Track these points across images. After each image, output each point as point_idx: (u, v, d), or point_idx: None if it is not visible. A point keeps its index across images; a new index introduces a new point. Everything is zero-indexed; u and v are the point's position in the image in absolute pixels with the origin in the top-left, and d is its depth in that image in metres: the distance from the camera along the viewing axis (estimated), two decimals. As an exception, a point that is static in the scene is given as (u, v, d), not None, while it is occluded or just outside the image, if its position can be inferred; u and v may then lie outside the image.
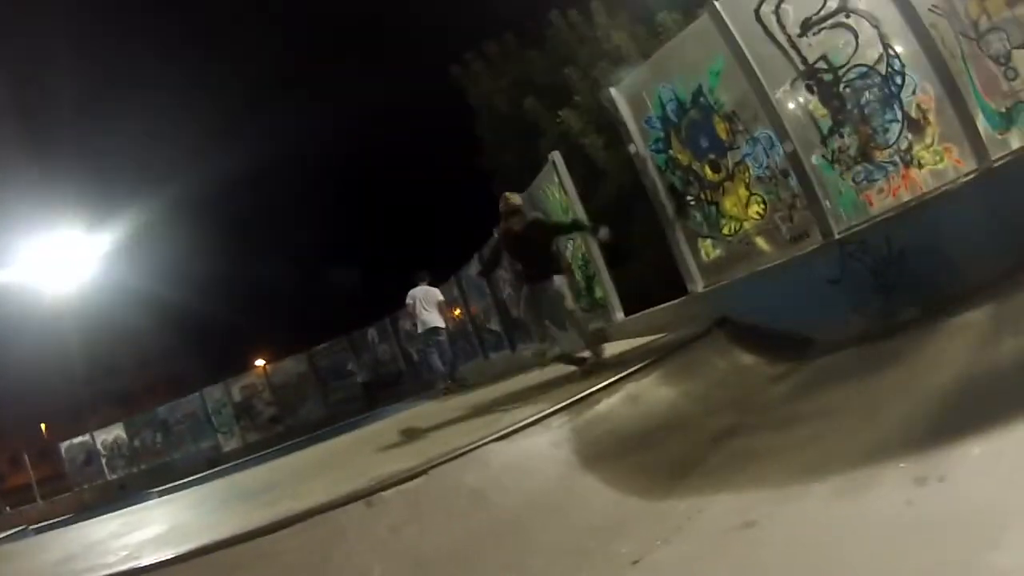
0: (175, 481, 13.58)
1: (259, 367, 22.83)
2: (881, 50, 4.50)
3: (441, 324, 9.55)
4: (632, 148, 6.25)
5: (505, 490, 3.16)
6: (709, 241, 5.80)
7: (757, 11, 4.86)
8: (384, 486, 3.15)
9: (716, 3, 5.13)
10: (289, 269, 40.82)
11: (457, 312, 13.68)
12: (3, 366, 31.06)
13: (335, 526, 2.96)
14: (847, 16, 4.54)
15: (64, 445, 21.55)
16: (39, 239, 18.04)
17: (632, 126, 6.21)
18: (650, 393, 4.11)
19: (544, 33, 12.31)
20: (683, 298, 6.20)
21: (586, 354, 5.49)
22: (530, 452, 3.45)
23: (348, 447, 6.86)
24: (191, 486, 9.66)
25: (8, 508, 20.53)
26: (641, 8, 10.93)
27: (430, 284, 9.61)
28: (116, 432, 21.19)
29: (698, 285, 5.95)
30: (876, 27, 4.46)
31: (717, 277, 5.78)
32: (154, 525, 4.55)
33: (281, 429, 19.30)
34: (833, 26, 4.58)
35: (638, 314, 7.29)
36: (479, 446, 3.41)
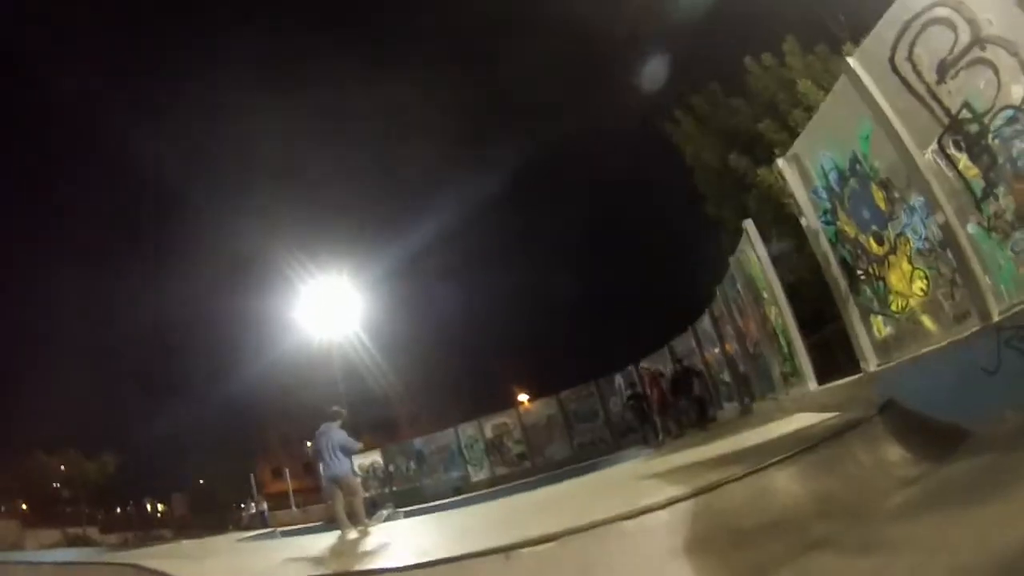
0: (421, 503, 16.64)
1: (523, 403, 25.76)
2: (1028, 83, 3.60)
3: (344, 472, 8.08)
4: (803, 221, 6.07)
5: (609, 569, 3.61)
6: (880, 318, 5.40)
7: (891, 61, 4.37)
8: (521, 545, 3.80)
9: (849, 60, 4.73)
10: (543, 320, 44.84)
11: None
12: (275, 389, 39.34)
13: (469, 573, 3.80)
14: (983, 48, 3.75)
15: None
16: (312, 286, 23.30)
17: (801, 197, 6.06)
18: (781, 487, 4.10)
19: (744, 79, 11.85)
20: (856, 376, 5.86)
21: None
22: (648, 533, 3.76)
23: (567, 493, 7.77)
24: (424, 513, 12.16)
25: (267, 506, 25.28)
26: (833, 41, 9.91)
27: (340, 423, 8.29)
28: (374, 457, 24.81)
29: (870, 364, 5.61)
30: (1016, 55, 3.58)
31: (887, 357, 5.38)
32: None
33: (528, 465, 21.24)
34: (970, 63, 3.83)
35: (822, 387, 6.91)
36: (608, 522, 3.83)
